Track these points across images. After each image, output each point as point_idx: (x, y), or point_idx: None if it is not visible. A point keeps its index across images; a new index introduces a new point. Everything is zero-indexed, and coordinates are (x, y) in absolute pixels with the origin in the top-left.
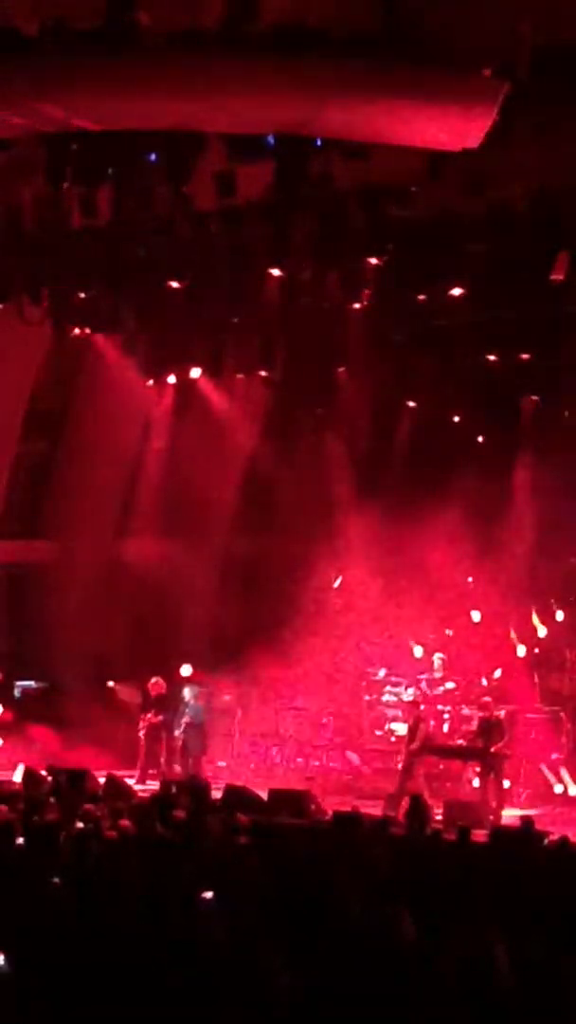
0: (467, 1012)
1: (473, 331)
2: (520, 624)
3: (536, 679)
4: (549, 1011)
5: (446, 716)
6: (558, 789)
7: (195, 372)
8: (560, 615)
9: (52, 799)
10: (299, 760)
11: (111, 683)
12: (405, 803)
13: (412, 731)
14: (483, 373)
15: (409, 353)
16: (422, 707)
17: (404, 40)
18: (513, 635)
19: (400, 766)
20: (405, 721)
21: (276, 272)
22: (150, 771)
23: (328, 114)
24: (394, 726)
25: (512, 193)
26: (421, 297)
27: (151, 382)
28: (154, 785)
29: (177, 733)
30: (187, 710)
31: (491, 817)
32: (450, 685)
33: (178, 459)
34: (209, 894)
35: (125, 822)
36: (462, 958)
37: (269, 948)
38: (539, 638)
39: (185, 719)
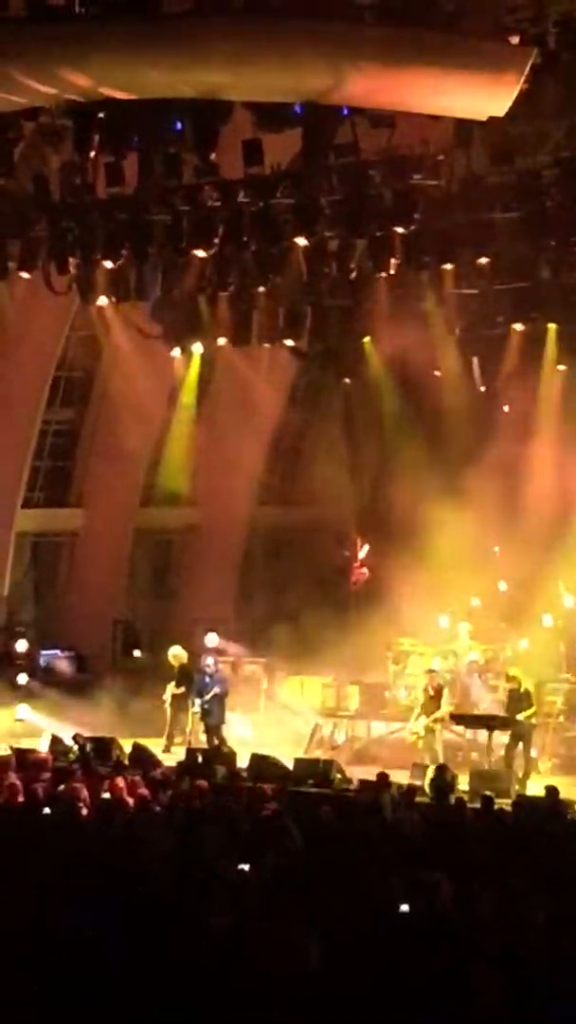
0: (498, 976)
1: (498, 299)
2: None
3: (563, 648)
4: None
5: (473, 686)
6: None
7: (221, 341)
8: None
9: (77, 767)
10: (326, 730)
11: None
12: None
13: (436, 700)
14: (509, 342)
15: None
16: (447, 676)
17: (431, 7)
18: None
19: (421, 735)
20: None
21: (302, 241)
22: (176, 740)
23: (355, 82)
24: (419, 695)
25: (539, 162)
26: (448, 266)
27: (177, 351)
28: (180, 754)
29: (200, 703)
30: (210, 682)
31: (516, 787)
32: (476, 655)
33: (204, 428)
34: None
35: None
36: (492, 923)
37: (298, 918)
38: (565, 607)
39: (215, 689)
